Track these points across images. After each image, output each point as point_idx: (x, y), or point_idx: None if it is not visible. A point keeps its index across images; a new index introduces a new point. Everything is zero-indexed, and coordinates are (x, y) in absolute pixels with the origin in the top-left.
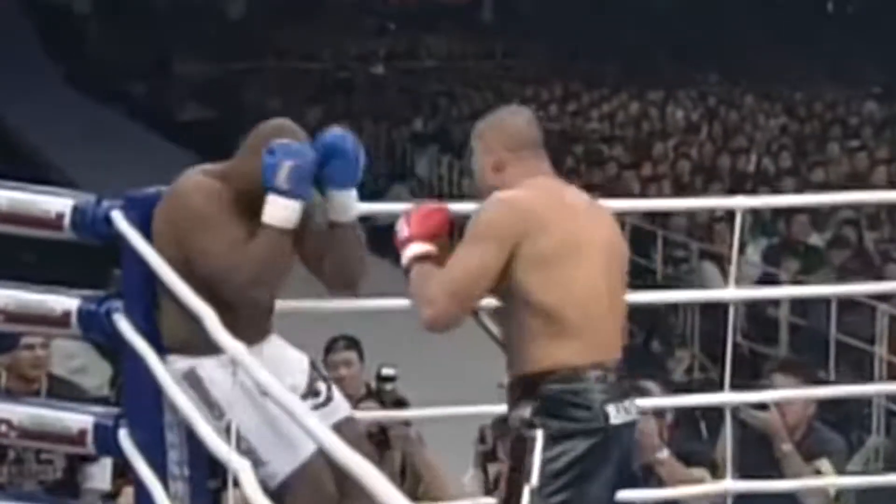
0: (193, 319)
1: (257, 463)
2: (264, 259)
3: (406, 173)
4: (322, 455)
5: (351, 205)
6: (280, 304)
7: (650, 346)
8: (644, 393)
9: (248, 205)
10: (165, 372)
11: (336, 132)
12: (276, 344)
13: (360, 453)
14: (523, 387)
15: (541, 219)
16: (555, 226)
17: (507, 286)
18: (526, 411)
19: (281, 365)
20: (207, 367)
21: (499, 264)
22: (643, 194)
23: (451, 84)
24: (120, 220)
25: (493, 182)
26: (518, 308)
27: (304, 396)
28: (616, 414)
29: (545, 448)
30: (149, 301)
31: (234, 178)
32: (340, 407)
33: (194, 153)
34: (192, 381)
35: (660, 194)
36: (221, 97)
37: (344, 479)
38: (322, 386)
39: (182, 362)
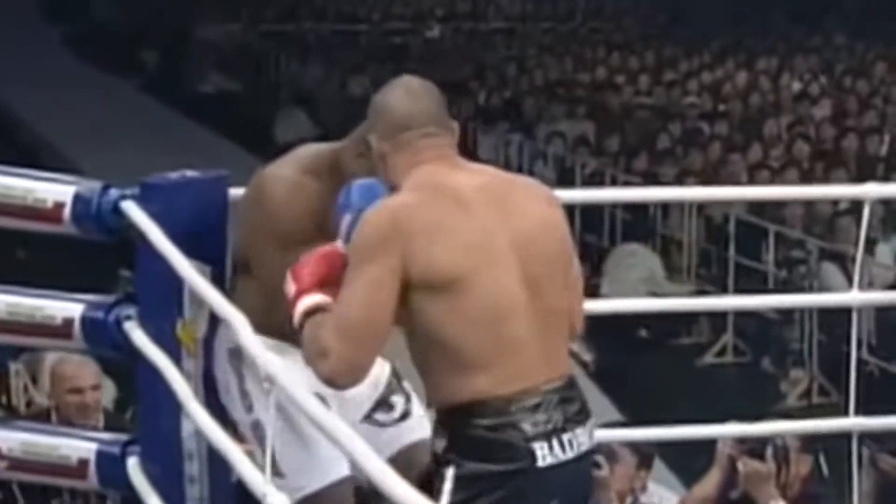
0: (267, 299)
1: (274, 473)
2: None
3: (468, 156)
4: (352, 480)
5: None
6: None
7: (760, 364)
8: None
9: None
10: (185, 382)
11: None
12: None
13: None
14: (437, 416)
15: (426, 231)
16: (446, 236)
17: (404, 312)
18: (440, 445)
19: None
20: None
21: (390, 288)
22: (751, 182)
23: (523, 50)
24: (134, 211)
25: (387, 179)
26: (417, 338)
27: (374, 408)
28: (546, 454)
29: (455, 490)
30: (171, 307)
31: (342, 172)
32: (418, 427)
33: (217, 131)
34: (235, 361)
35: (771, 182)
36: (249, 66)
37: None
38: (398, 399)
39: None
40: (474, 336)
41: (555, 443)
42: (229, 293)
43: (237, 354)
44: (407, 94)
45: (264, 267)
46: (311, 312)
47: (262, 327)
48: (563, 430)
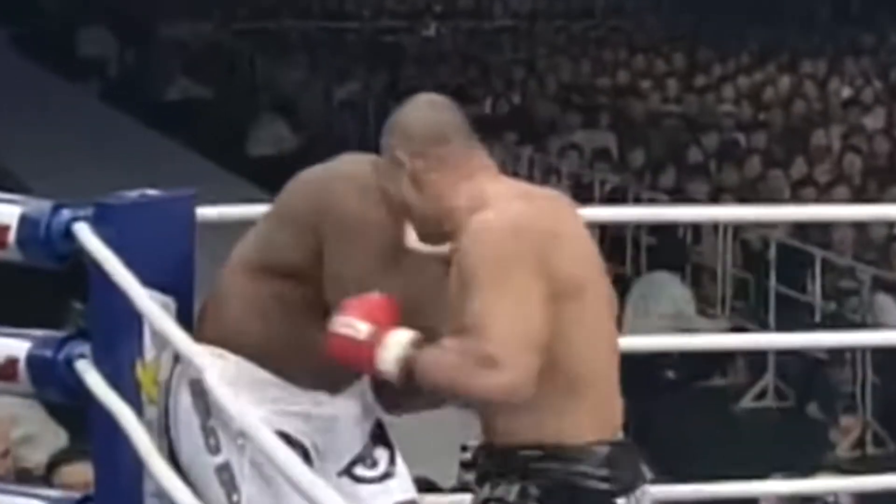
0: (254, 311)
1: None
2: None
3: None
4: None
5: None
6: None
7: (806, 410)
8: None
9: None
10: (146, 434)
11: None
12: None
13: None
14: (505, 459)
15: (549, 236)
16: (565, 241)
17: None
18: (510, 492)
19: (338, 418)
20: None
21: (541, 296)
22: (795, 201)
23: (532, 51)
24: (88, 235)
25: (422, 206)
26: None
27: (354, 463)
28: None
29: None
30: (129, 345)
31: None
32: (400, 487)
33: (184, 143)
34: (198, 393)
35: (818, 201)
36: (221, 70)
37: None
38: (382, 454)
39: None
40: (580, 357)
41: (632, 499)
42: (220, 303)
43: (198, 386)
44: (432, 107)
45: (353, 282)
46: (417, 342)
47: (274, 345)
48: (635, 486)
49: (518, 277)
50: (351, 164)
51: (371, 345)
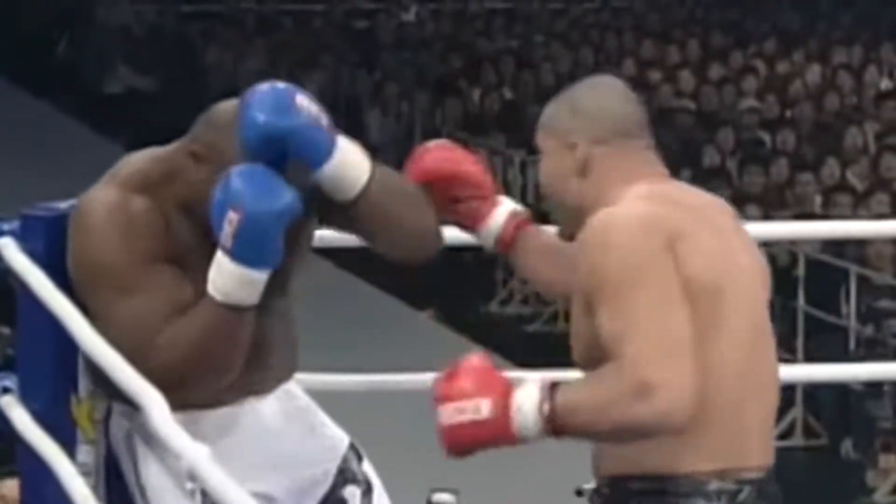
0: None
1: None
2: (192, 342)
3: None
4: None
5: (345, 177)
6: None
7: (839, 449)
8: None
9: (203, 224)
10: (82, 480)
11: (253, 100)
12: (290, 407)
13: None
14: (616, 492)
15: (682, 236)
16: (701, 243)
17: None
18: None
19: (285, 440)
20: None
21: (682, 303)
22: (827, 209)
23: (527, 38)
24: (13, 251)
25: (578, 194)
26: None
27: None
28: None
29: None
30: (62, 377)
31: (180, 182)
32: None
33: (125, 143)
34: (129, 447)
35: (854, 210)
36: (168, 58)
37: None
38: (353, 491)
39: (122, 416)
40: (726, 370)
41: None
42: None
43: (130, 438)
44: (624, 97)
45: (108, 320)
46: (551, 390)
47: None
48: None
49: (654, 273)
50: (96, 187)
51: (500, 418)
